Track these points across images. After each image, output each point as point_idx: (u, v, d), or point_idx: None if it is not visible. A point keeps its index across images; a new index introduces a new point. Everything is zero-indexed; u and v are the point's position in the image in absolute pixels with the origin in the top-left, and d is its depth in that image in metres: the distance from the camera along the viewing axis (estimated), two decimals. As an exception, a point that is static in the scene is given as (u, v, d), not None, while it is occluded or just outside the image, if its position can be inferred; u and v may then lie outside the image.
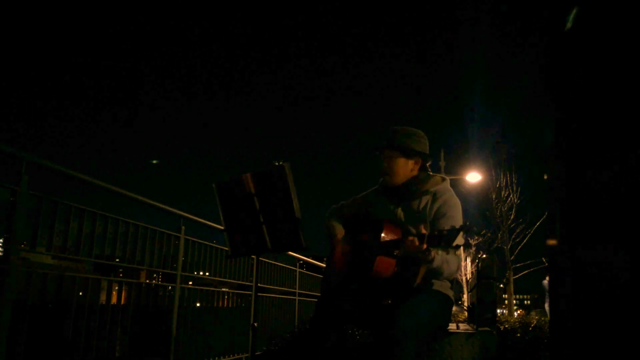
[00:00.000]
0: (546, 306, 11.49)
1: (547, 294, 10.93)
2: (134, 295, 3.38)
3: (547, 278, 10.97)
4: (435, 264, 1.96)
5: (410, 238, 1.85)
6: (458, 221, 2.08)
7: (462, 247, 2.07)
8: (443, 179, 2.28)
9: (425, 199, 2.19)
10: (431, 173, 2.31)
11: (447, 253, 1.93)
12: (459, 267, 2.10)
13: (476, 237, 16.70)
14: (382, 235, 2.04)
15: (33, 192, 2.52)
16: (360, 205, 2.43)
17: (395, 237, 2.03)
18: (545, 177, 1.09)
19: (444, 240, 1.76)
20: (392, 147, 2.22)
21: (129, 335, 3.22)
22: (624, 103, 0.96)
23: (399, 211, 2.23)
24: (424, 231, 1.84)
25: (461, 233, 1.73)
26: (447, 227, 1.79)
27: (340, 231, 2.33)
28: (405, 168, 2.22)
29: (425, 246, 1.81)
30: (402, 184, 2.23)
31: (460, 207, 2.20)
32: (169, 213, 3.78)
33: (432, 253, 1.88)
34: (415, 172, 2.25)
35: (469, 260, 17.15)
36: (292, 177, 2.37)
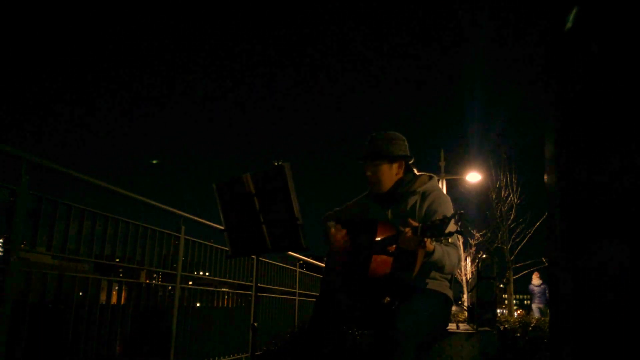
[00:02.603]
0: (533, 306, 12.51)
1: (534, 295, 12.56)
2: (134, 295, 3.38)
3: (532, 282, 12.14)
4: (436, 256, 1.96)
5: (406, 229, 1.86)
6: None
7: (461, 243, 2.08)
8: (430, 177, 2.30)
9: (414, 199, 2.21)
10: (417, 172, 2.33)
11: (441, 242, 1.94)
12: (459, 260, 2.09)
13: (476, 237, 16.71)
14: (377, 235, 2.05)
15: (33, 192, 2.52)
16: (353, 211, 2.46)
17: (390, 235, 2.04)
18: (545, 177, 1.09)
19: (437, 229, 1.76)
20: (374, 157, 2.25)
21: (129, 335, 3.22)
22: (624, 103, 0.96)
23: (389, 214, 2.25)
24: (415, 224, 1.86)
25: (453, 220, 1.74)
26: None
27: (336, 226, 2.33)
28: (390, 173, 2.25)
29: (419, 238, 1.83)
30: (389, 189, 2.25)
31: (450, 202, 2.21)
32: (169, 213, 3.78)
33: (428, 243, 1.88)
34: (400, 175, 2.27)
35: (469, 260, 17.14)
36: (292, 177, 2.37)
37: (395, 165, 2.25)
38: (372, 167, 2.25)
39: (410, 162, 2.32)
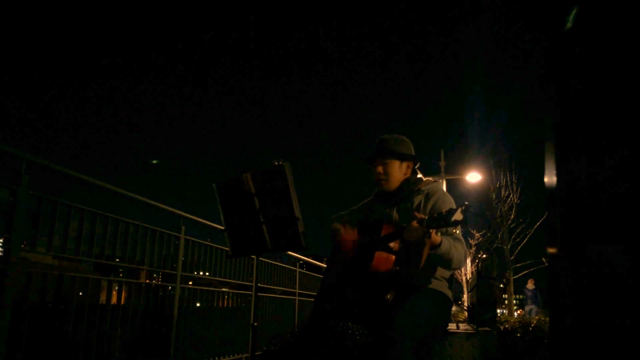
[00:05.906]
0: (526, 308, 14.45)
1: (527, 297, 14.49)
2: (134, 295, 3.38)
3: (527, 286, 13.64)
4: (443, 248, 1.97)
5: (413, 222, 1.88)
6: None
7: (464, 243, 2.09)
8: (434, 181, 2.40)
9: (419, 199, 2.27)
10: (421, 176, 2.40)
11: (447, 232, 1.98)
12: (466, 255, 2.12)
13: (476, 237, 16.72)
14: (381, 234, 2.06)
15: (33, 192, 2.52)
16: (357, 215, 2.50)
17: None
18: (545, 177, 1.09)
19: (443, 219, 1.78)
20: (385, 153, 2.33)
21: (129, 335, 3.22)
22: (623, 103, 0.96)
23: (394, 212, 2.29)
24: (421, 216, 1.88)
25: (459, 210, 1.75)
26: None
27: (345, 226, 2.36)
28: (400, 172, 2.34)
29: (424, 229, 1.85)
30: (396, 188, 2.33)
31: (453, 203, 2.24)
32: (169, 213, 3.78)
33: (434, 235, 1.90)
34: (408, 175, 2.36)
35: (469, 260, 17.15)
36: (292, 176, 2.37)
37: (404, 165, 2.34)
38: (383, 164, 2.32)
39: (417, 167, 2.40)
